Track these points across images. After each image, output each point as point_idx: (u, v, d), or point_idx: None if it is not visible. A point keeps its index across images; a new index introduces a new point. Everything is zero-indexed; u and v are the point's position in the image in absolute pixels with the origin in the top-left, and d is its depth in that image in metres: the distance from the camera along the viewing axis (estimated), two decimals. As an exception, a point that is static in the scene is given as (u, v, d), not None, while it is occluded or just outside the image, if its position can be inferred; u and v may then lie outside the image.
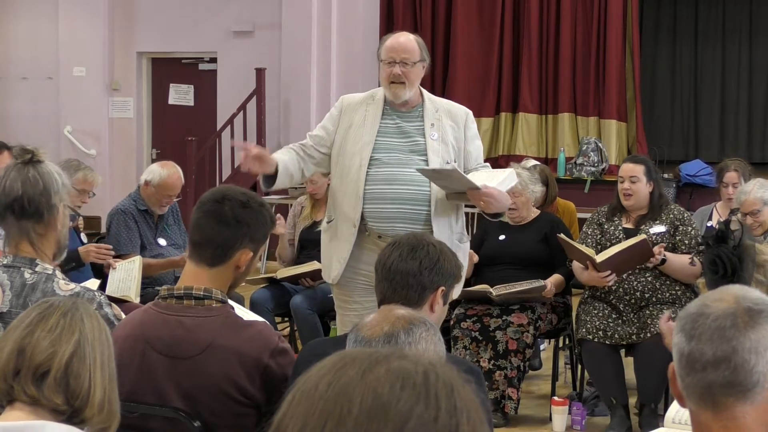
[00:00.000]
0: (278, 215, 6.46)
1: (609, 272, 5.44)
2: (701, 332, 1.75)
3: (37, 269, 2.94)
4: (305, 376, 1.18)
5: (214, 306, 2.79)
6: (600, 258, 5.43)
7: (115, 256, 5.82)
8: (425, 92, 4.60)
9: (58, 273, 2.97)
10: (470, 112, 4.65)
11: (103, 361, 2.13)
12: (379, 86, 4.67)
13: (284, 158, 4.42)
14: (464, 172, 4.44)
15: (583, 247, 5.55)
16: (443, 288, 2.88)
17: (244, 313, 3.12)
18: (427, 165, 4.40)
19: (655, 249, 5.42)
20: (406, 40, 4.52)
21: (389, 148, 4.44)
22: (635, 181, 5.65)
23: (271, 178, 4.39)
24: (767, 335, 1.73)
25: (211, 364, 2.73)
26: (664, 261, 5.45)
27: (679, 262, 5.50)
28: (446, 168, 4.36)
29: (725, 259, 3.93)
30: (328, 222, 4.60)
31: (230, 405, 2.74)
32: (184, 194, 6.35)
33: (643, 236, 5.48)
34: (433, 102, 4.56)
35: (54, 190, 2.98)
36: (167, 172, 6.07)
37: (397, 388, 1.13)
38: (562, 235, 5.63)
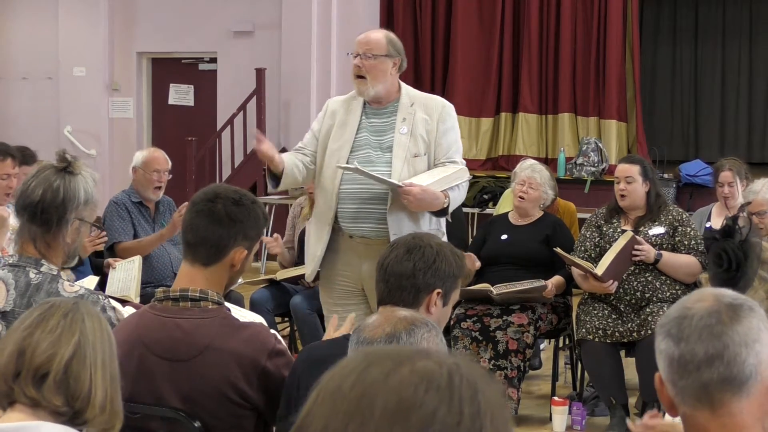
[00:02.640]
0: (276, 235, 6.48)
1: (611, 281, 5.45)
2: (689, 333, 1.76)
3: (42, 269, 2.94)
4: (330, 373, 1.16)
5: (210, 307, 2.79)
6: (599, 270, 5.43)
7: (109, 246, 5.87)
8: (405, 87, 4.54)
9: (63, 274, 2.97)
10: (448, 105, 4.55)
11: (105, 362, 2.11)
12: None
13: (288, 158, 4.46)
14: (433, 165, 4.40)
15: (581, 262, 5.55)
16: (439, 290, 2.86)
17: (242, 313, 3.12)
18: (391, 161, 4.37)
19: (644, 246, 5.43)
20: (372, 33, 4.50)
21: (364, 146, 4.43)
22: (631, 182, 5.65)
23: (278, 178, 4.41)
24: (753, 327, 1.76)
25: (209, 366, 2.73)
26: (658, 259, 5.46)
27: (676, 260, 5.50)
28: (350, 166, 4.31)
29: (731, 253, 3.93)
30: (308, 220, 4.62)
31: (228, 407, 2.74)
32: (184, 194, 6.34)
33: (629, 233, 5.48)
34: (410, 96, 4.50)
35: (73, 205, 2.97)
36: (148, 151, 6.33)
37: (420, 390, 1.12)
38: (559, 250, 5.62)
